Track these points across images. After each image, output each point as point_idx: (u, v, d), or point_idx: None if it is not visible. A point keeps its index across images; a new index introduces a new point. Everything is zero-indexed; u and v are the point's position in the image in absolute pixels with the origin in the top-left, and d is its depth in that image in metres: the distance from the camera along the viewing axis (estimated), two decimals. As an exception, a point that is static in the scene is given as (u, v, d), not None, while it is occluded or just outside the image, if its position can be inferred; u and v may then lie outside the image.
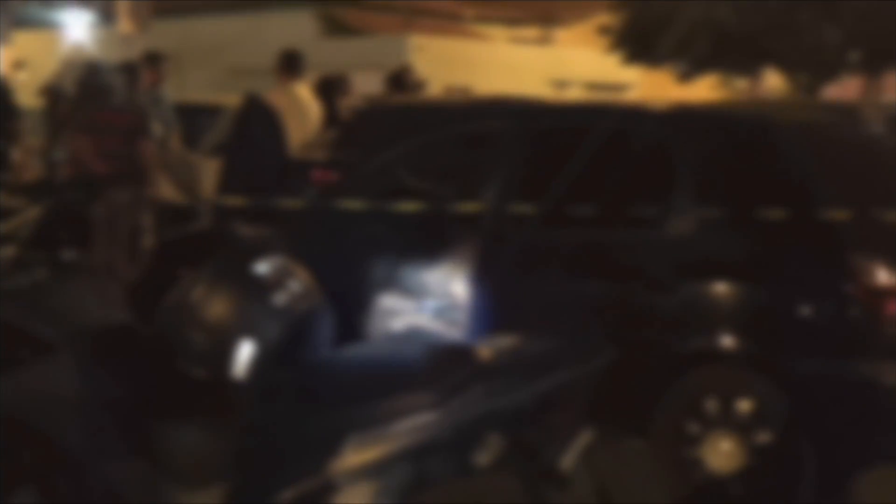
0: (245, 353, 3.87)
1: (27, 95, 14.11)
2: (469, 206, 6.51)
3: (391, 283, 6.54)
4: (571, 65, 33.45)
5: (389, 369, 3.94)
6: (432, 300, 6.48)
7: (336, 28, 33.15)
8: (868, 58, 21.03)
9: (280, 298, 4.05)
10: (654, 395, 6.04)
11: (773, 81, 25.01)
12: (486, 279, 6.33)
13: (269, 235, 6.56)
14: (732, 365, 6.02)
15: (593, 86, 32.81)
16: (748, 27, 20.38)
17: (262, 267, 4.11)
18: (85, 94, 9.29)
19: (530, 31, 37.25)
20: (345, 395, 3.75)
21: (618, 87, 31.82)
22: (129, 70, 10.49)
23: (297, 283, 4.13)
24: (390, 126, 7.16)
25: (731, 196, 6.13)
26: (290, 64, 10.14)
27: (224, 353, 3.88)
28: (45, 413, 3.85)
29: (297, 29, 29.29)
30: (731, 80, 26.53)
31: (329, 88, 10.11)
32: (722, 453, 5.90)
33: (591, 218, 6.27)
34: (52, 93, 12.66)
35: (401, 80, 11.00)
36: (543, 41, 37.15)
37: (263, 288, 4.06)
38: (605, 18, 25.14)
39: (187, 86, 23.44)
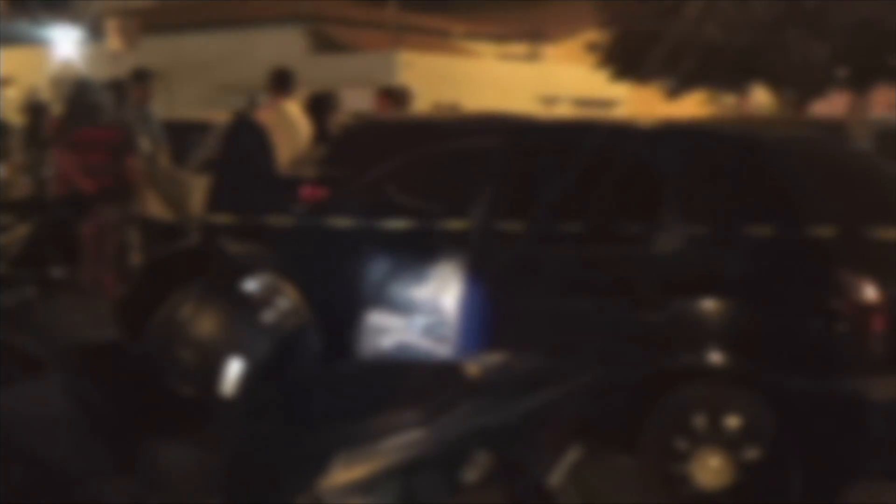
0: (233, 370, 3.87)
1: (15, 112, 14.13)
2: (457, 223, 6.52)
3: (380, 300, 6.54)
4: (560, 81, 33.54)
5: (378, 386, 3.94)
6: (421, 317, 6.48)
7: (325, 45, 33.21)
8: (855, 74, 21.12)
9: (268, 316, 4.05)
10: (641, 412, 6.05)
11: (760, 98, 25.11)
12: (475, 296, 6.34)
13: (258, 252, 6.58)
14: (720, 381, 6.03)
15: (581, 102, 32.89)
16: (736, 44, 20.46)
17: (251, 284, 4.12)
18: (74, 112, 9.29)
19: (519, 48, 37.37)
20: (333, 412, 3.75)
21: (606, 104, 31.93)
22: (116, 87, 10.51)
23: (286, 301, 4.14)
24: (378, 143, 7.17)
25: (718, 213, 6.15)
26: (281, 81, 10.17)
27: (212, 370, 3.88)
28: (33, 430, 3.85)
29: (287, 46, 29.38)
30: (718, 96, 26.62)
31: (319, 105, 10.13)
32: (710, 469, 5.91)
33: (579, 234, 6.28)
34: (32, 109, 12.67)
35: (396, 95, 11.05)
36: (532, 57, 37.27)
37: (252, 305, 4.06)
38: (593, 35, 25.19)
39: (176, 102, 23.46)
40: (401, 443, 3.57)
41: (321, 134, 9.69)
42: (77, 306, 4.34)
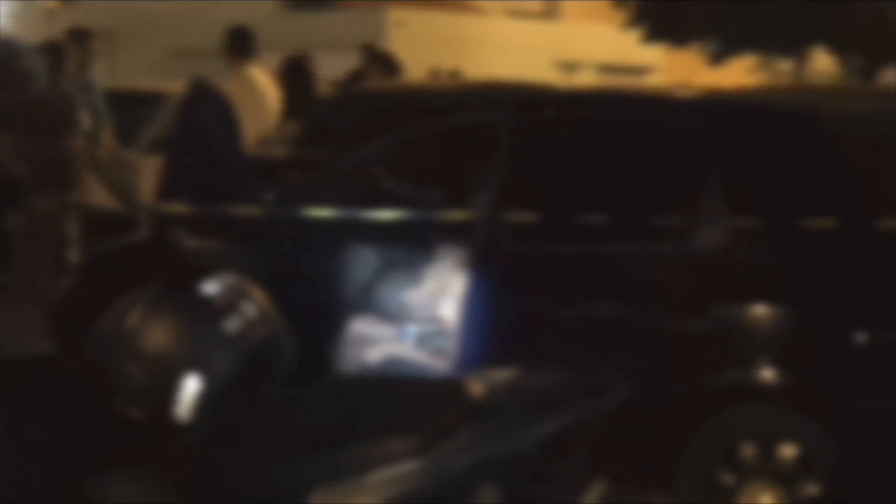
0: (191, 389, 3.89)
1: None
2: (458, 214, 6.53)
3: (366, 306, 6.56)
4: (581, 43, 33.60)
5: (363, 408, 3.95)
6: (415, 325, 6.51)
7: (300, 0, 33.20)
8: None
9: (232, 324, 4.07)
10: (680, 440, 6.07)
11: (821, 64, 25.12)
12: (479, 300, 6.36)
13: (219, 249, 6.59)
14: (773, 403, 6.05)
15: (607, 68, 32.96)
16: (793, 0, 20.48)
17: (211, 287, 4.13)
18: (0, 81, 9.29)
19: (532, 4, 37.33)
20: (309, 439, 3.77)
21: (636, 70, 31.97)
22: (52, 51, 10.50)
23: (253, 306, 4.15)
24: (365, 118, 7.19)
25: (770, 202, 6.17)
26: (240, 43, 10.18)
27: (166, 389, 3.90)
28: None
29: (254, 2, 29.35)
30: (772, 62, 26.64)
31: (294, 72, 10.13)
32: (761, 508, 5.95)
33: (604, 228, 6.30)
34: None
35: (386, 60, 11.07)
36: (548, 15, 37.24)
37: (212, 312, 4.08)
38: (621, -12, 25.21)
39: (122, 70, 23.48)
40: (391, 476, 3.58)
41: (296, 106, 9.70)
42: (6, 313, 4.35)
